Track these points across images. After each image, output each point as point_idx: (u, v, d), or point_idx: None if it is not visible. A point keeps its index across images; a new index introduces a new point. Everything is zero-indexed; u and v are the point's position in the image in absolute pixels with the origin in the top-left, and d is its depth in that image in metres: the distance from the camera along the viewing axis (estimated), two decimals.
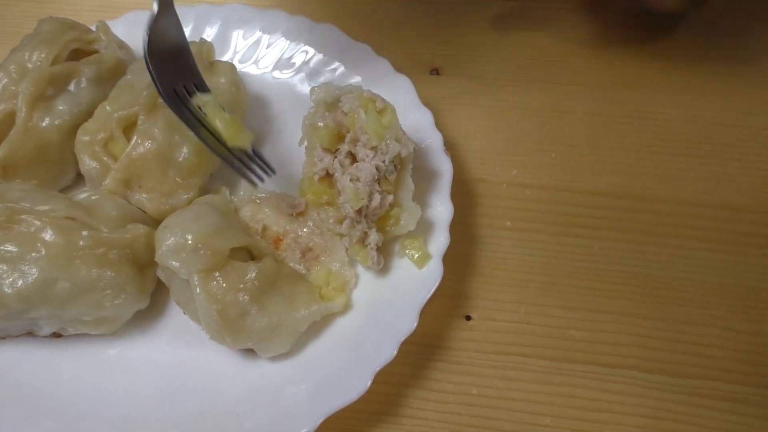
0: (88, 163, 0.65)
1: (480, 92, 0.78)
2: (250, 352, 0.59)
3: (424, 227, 0.62)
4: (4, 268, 0.55)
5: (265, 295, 0.57)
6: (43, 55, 0.67)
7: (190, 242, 0.56)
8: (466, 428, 0.58)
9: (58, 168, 0.68)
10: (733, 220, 0.69)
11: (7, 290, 0.54)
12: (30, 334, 0.60)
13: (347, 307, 0.60)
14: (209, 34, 0.79)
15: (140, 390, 0.58)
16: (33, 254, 0.55)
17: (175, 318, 0.62)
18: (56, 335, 0.60)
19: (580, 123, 0.76)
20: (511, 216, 0.69)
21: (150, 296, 0.61)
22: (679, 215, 0.69)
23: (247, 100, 0.72)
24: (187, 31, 0.77)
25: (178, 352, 0.60)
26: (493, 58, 0.82)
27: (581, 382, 0.60)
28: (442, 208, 0.63)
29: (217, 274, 0.55)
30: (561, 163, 0.73)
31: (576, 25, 0.85)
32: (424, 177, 0.65)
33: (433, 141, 0.67)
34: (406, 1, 0.88)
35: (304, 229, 0.64)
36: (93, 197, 0.62)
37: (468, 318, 0.63)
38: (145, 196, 0.64)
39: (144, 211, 0.64)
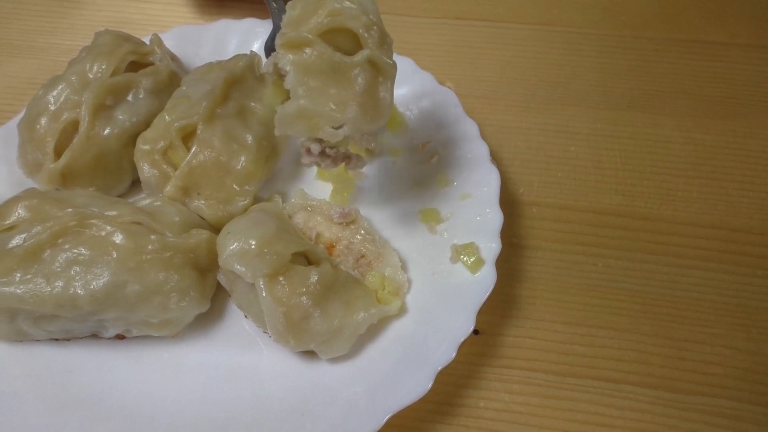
0: (147, 171, 0.67)
1: (489, 112, 0.81)
2: (306, 355, 0.61)
3: (476, 233, 0.64)
4: (78, 270, 0.57)
5: (325, 299, 0.58)
6: (103, 67, 0.69)
7: (254, 247, 0.57)
8: None
9: (114, 176, 0.70)
10: (733, 240, 0.71)
11: (81, 292, 0.56)
12: (94, 336, 0.62)
13: (402, 310, 0.62)
14: (255, 47, 0.82)
15: (200, 393, 0.59)
16: (105, 257, 0.57)
17: (233, 322, 0.64)
18: (120, 337, 0.62)
19: (585, 143, 0.79)
20: (517, 233, 0.72)
21: (210, 300, 0.63)
22: (680, 235, 0.71)
23: None
24: (234, 44, 0.82)
25: (236, 355, 0.62)
26: (502, 79, 0.85)
27: (585, 397, 0.62)
28: (492, 216, 0.65)
29: (281, 278, 0.57)
30: (566, 182, 0.76)
31: (581, 48, 0.88)
32: (473, 185, 0.68)
33: (480, 151, 0.70)
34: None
35: (357, 236, 0.66)
36: (155, 203, 0.64)
37: (476, 332, 0.65)
38: (203, 202, 0.66)
39: (202, 217, 0.66)
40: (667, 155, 0.78)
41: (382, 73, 0.58)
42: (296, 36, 0.56)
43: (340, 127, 0.56)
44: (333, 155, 0.60)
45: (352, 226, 0.67)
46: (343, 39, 0.57)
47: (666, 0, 0.94)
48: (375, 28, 0.58)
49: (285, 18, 0.58)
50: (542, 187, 0.75)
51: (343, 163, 0.61)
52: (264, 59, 0.78)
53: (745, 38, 0.89)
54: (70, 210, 0.60)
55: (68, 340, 0.62)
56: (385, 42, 0.59)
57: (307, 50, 0.56)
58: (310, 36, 0.55)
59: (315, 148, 0.59)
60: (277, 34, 0.57)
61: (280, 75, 0.58)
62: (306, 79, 0.55)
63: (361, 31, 0.57)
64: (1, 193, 0.69)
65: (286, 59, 0.56)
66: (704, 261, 0.69)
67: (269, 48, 0.70)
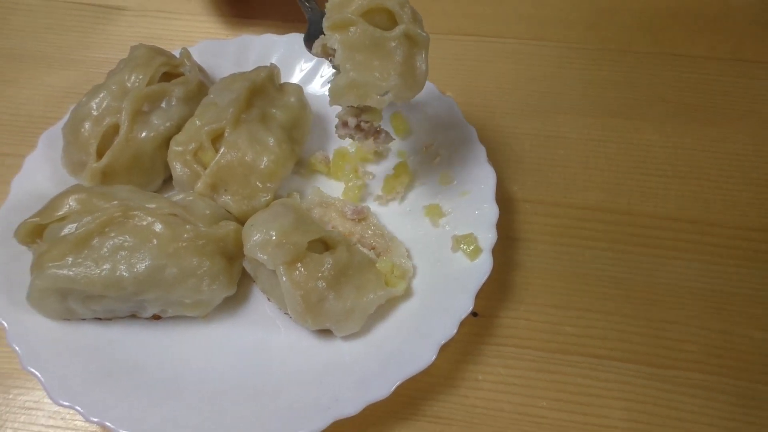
0: (180, 170, 0.74)
1: (486, 119, 0.88)
2: (322, 334, 0.67)
3: (475, 225, 0.71)
4: (123, 255, 0.64)
5: (339, 283, 0.65)
6: (140, 77, 0.76)
7: (274, 238, 0.64)
8: (473, 408, 0.66)
9: (148, 175, 0.77)
10: (707, 233, 0.78)
11: (125, 274, 0.63)
12: (133, 316, 0.68)
13: (408, 292, 0.69)
14: (273, 59, 0.88)
15: (227, 365, 0.66)
16: (147, 244, 0.64)
17: (256, 305, 0.71)
18: (156, 317, 0.69)
19: (573, 147, 0.86)
20: (511, 227, 0.78)
21: (237, 285, 0.69)
22: (659, 228, 0.78)
23: (311, 117, 0.82)
24: (253, 57, 0.89)
25: (259, 334, 0.68)
26: (498, 88, 0.93)
27: (573, 371, 0.68)
28: (488, 210, 0.72)
29: (299, 264, 0.63)
30: (556, 181, 0.82)
31: (570, 61, 0.96)
32: (472, 183, 0.75)
33: (478, 152, 0.77)
34: None
35: (368, 231, 0.72)
36: (188, 198, 0.71)
37: (475, 314, 0.71)
38: (229, 198, 0.73)
39: (228, 211, 0.73)
40: (648, 157, 0.85)
41: (417, 44, 0.65)
42: (341, 18, 0.63)
43: (384, 94, 0.63)
44: (366, 129, 0.67)
45: (364, 222, 0.74)
46: (379, 18, 0.64)
47: (649, 17, 1.01)
48: (407, 5, 0.65)
49: (329, 4, 0.65)
50: (534, 185, 0.82)
51: (372, 138, 0.69)
52: (282, 70, 0.85)
53: (721, 52, 0.96)
54: (115, 202, 0.67)
55: (110, 319, 0.69)
56: (416, 18, 0.66)
57: (352, 29, 0.63)
58: (353, 16, 0.63)
59: (351, 121, 0.66)
60: (324, 18, 0.64)
61: (327, 53, 0.65)
62: (352, 54, 0.62)
63: (396, 8, 0.64)
64: (46, 189, 0.75)
65: (333, 39, 0.63)
66: (681, 252, 0.76)
67: (310, 38, 0.77)
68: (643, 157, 0.85)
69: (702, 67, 0.95)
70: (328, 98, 0.64)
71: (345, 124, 0.67)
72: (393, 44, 0.63)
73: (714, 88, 0.92)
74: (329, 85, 0.64)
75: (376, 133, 0.69)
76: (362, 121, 0.67)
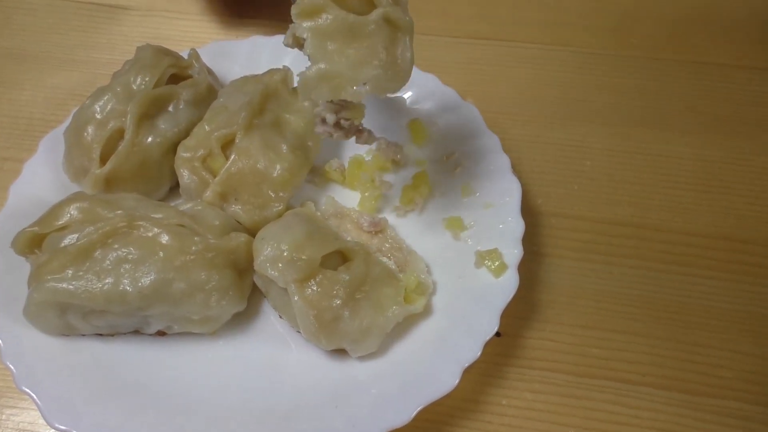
0: (187, 178, 0.70)
1: (507, 127, 0.85)
2: (338, 353, 0.64)
3: (499, 240, 0.68)
4: (127, 267, 0.60)
5: (355, 300, 0.61)
6: (147, 79, 0.73)
7: (285, 253, 0.60)
8: None
9: (155, 182, 0.74)
10: (740, 251, 0.74)
11: (129, 288, 0.59)
12: (137, 332, 0.65)
13: (428, 310, 0.65)
14: (286, 62, 0.84)
15: (236, 386, 0.63)
16: (152, 256, 0.61)
17: (267, 321, 0.67)
18: (160, 333, 0.65)
19: (599, 158, 0.83)
20: (536, 242, 0.75)
21: (247, 300, 0.66)
22: (690, 245, 0.75)
23: None
24: (265, 59, 0.85)
25: (270, 352, 0.65)
26: (518, 95, 0.90)
27: (601, 396, 0.65)
28: (514, 224, 0.68)
29: (312, 282, 0.60)
30: (582, 194, 0.79)
31: (595, 68, 0.92)
32: (496, 195, 0.71)
33: (502, 163, 0.73)
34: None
35: (386, 245, 0.69)
36: (197, 208, 0.67)
37: (498, 335, 0.67)
38: (240, 207, 0.69)
39: (239, 222, 0.69)
40: (677, 170, 0.81)
41: (399, 29, 0.59)
42: (310, 3, 0.57)
43: (363, 86, 0.56)
44: (347, 127, 0.61)
45: (381, 235, 0.71)
46: (357, 2, 0.58)
47: (675, 24, 0.98)
48: None
49: None
50: (559, 198, 0.79)
51: (354, 137, 0.63)
52: (295, 73, 0.81)
53: (749, 61, 0.93)
54: (119, 212, 0.63)
55: (112, 335, 0.65)
56: (398, 0, 0.60)
57: (323, 16, 0.57)
58: (323, 1, 0.57)
59: (330, 118, 0.60)
60: (292, 6, 0.58)
61: (300, 44, 0.59)
62: (324, 43, 0.56)
63: None
64: (46, 196, 0.72)
65: (302, 27, 0.57)
66: (713, 270, 0.73)
67: None
68: (673, 170, 0.82)
69: (730, 76, 0.92)
70: (299, 93, 0.58)
71: (323, 120, 0.62)
72: (371, 30, 0.57)
73: (743, 98, 0.89)
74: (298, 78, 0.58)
75: (358, 132, 0.63)
76: (342, 118, 0.61)
